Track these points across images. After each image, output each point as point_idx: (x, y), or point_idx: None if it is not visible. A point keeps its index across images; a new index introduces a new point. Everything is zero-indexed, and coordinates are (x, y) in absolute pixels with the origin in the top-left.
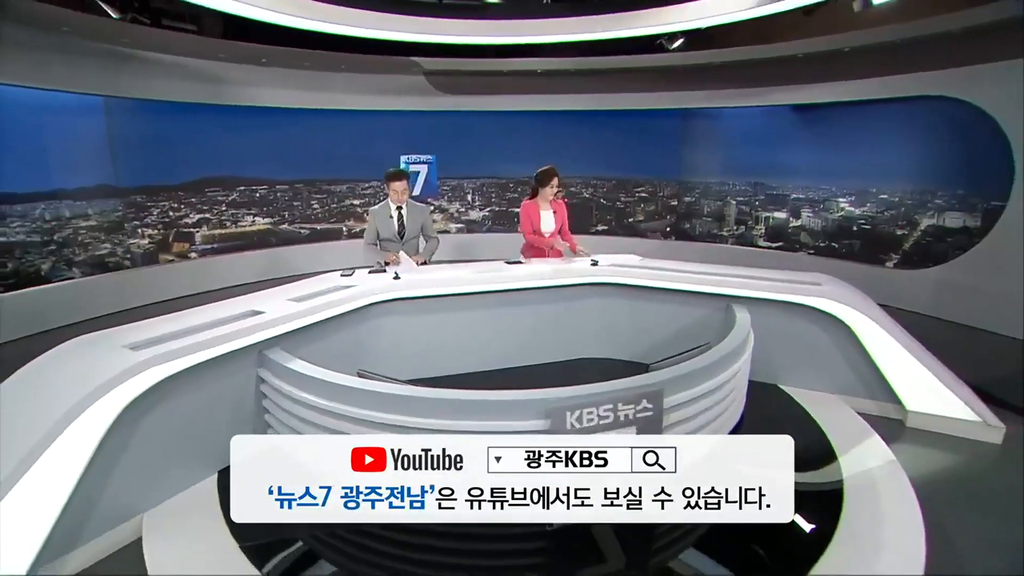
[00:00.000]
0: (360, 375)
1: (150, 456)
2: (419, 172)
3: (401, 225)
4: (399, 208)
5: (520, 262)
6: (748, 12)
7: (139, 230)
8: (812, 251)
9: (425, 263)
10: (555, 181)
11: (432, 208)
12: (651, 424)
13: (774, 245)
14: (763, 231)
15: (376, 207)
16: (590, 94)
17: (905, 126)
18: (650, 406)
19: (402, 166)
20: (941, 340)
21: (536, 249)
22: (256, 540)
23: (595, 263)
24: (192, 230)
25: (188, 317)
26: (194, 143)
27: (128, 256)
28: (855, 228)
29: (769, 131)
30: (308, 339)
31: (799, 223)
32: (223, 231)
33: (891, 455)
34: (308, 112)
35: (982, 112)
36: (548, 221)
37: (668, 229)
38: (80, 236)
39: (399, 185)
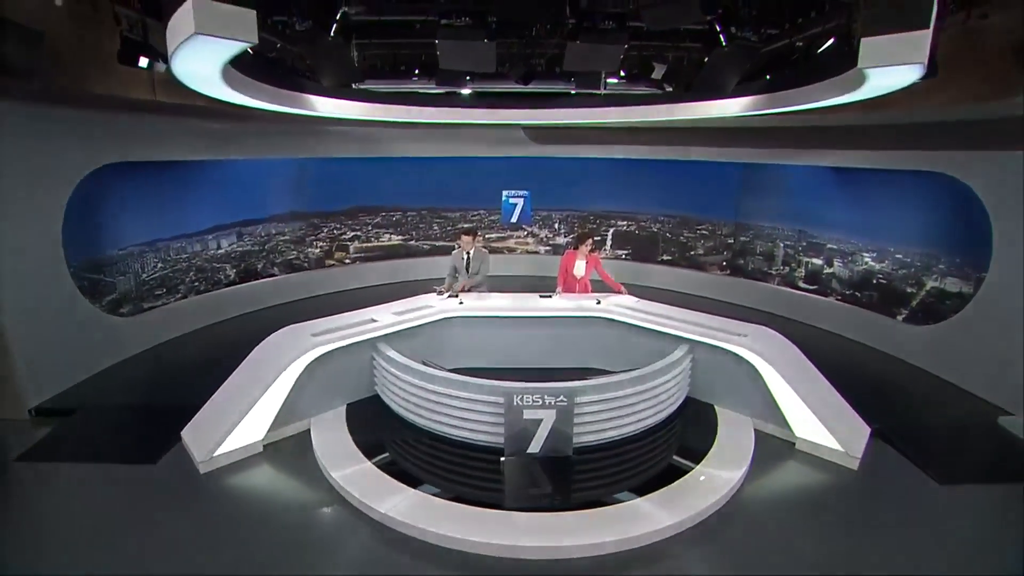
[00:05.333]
0: (423, 363)
1: (317, 390)
2: (516, 204)
3: (468, 264)
4: (467, 253)
5: (550, 296)
6: (745, 111)
7: (314, 243)
8: (840, 297)
9: (469, 289)
10: (589, 242)
11: (525, 233)
12: (565, 411)
13: (811, 288)
14: (803, 274)
15: (455, 251)
16: (658, 146)
17: (919, 195)
18: (565, 400)
19: (503, 199)
20: (912, 390)
21: (568, 285)
22: (364, 437)
23: (598, 302)
24: (348, 243)
25: (341, 319)
26: (352, 182)
27: (306, 261)
28: (875, 281)
29: (812, 186)
30: (403, 336)
31: (832, 271)
32: (368, 244)
33: (746, 464)
34: (432, 159)
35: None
36: (580, 267)
37: (724, 264)
38: (279, 246)
39: (465, 239)
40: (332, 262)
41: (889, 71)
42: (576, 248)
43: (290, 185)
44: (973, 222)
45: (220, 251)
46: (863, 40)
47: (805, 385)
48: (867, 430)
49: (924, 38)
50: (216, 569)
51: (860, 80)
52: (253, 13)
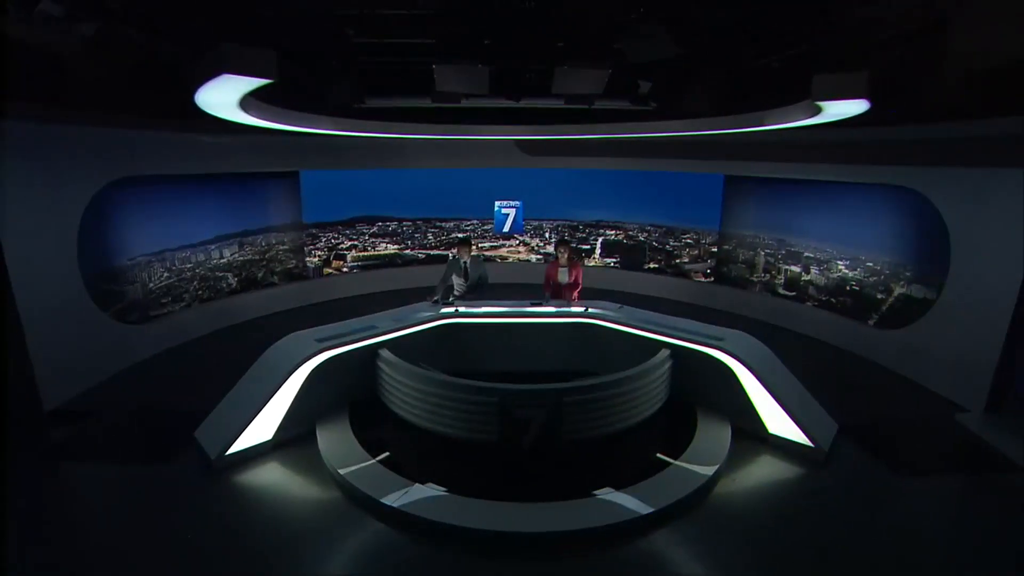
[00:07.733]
0: (418, 365)
1: (322, 394)
2: (508, 214)
3: (465, 272)
4: (465, 261)
5: (540, 303)
6: (715, 131)
7: (312, 252)
8: (816, 303)
9: (474, 296)
10: (562, 249)
11: (517, 242)
12: (553, 410)
13: (790, 294)
14: (782, 281)
15: (452, 259)
16: (645, 158)
17: (887, 207)
18: (553, 400)
19: (496, 209)
20: (879, 389)
21: (556, 292)
22: (366, 436)
23: (585, 309)
24: (345, 252)
25: (347, 325)
26: (349, 193)
27: (305, 270)
28: (848, 288)
29: (790, 198)
30: (403, 341)
31: (809, 278)
32: (365, 253)
33: (722, 458)
34: (427, 170)
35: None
36: (563, 275)
37: (709, 271)
38: (279, 255)
39: (464, 248)
40: (330, 270)
41: (839, 103)
42: (556, 259)
43: (292, 197)
44: (935, 233)
45: (222, 260)
46: (815, 77)
47: (777, 385)
48: (835, 426)
49: (863, 77)
50: (231, 560)
51: (819, 107)
52: (273, 53)
